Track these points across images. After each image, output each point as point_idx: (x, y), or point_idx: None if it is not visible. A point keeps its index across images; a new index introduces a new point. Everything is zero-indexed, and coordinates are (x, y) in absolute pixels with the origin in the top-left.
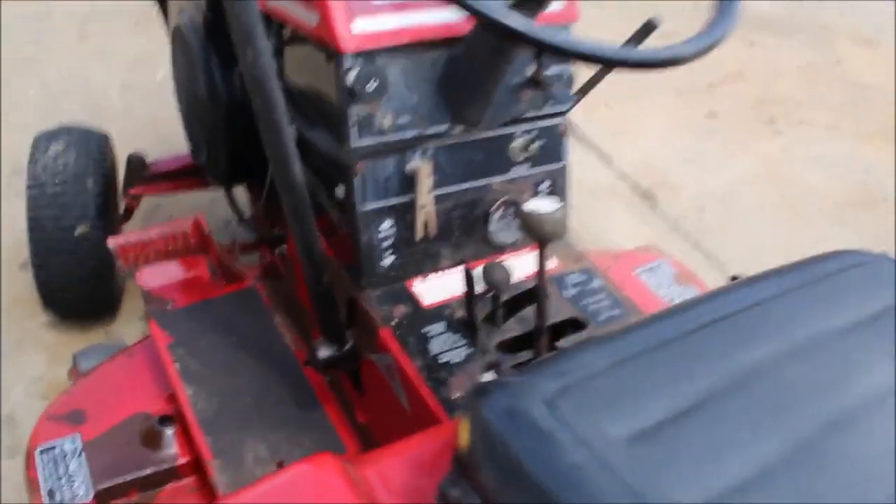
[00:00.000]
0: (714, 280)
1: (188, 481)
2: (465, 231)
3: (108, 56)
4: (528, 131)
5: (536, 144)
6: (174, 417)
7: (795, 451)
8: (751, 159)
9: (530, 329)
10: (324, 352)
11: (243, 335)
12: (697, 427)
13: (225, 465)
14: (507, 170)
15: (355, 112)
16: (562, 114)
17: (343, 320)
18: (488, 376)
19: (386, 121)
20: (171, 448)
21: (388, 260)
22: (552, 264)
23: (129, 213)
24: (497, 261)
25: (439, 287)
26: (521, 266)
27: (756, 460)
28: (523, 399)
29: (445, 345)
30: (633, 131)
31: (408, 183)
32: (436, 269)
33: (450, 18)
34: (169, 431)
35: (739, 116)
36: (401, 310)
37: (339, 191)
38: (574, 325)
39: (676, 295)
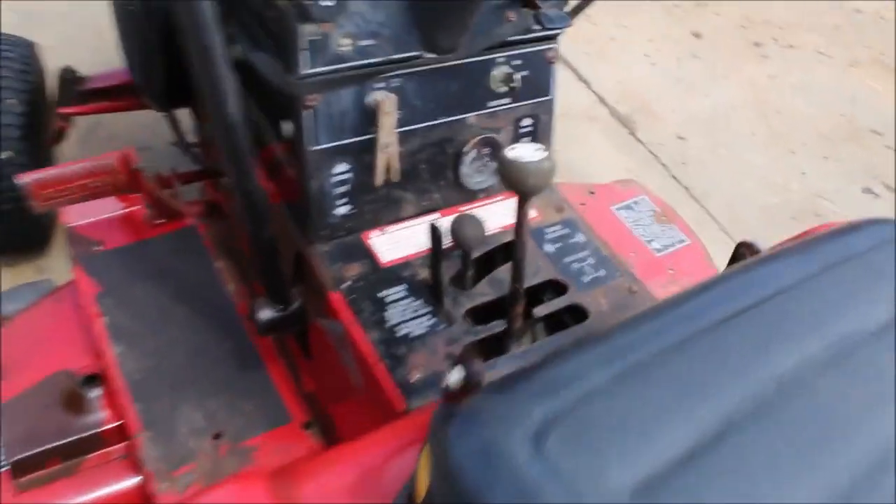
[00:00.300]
0: (693, 215)
1: (116, 448)
2: (433, 174)
3: None
4: (512, 59)
5: (520, 75)
6: (100, 377)
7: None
8: (736, 84)
9: (505, 293)
10: (265, 313)
11: (180, 283)
12: (718, 471)
13: (156, 437)
14: (485, 104)
15: (306, 32)
16: (552, 38)
17: (289, 277)
18: (455, 375)
19: (344, 44)
20: (97, 412)
21: (342, 209)
22: (530, 214)
23: (60, 135)
24: (468, 211)
25: (401, 240)
26: (496, 215)
27: None
28: (503, 433)
29: (406, 313)
30: (613, 51)
31: (368, 119)
32: (398, 219)
33: None
34: (94, 394)
35: (726, 38)
36: (355, 269)
37: (287, 127)
38: (554, 287)
39: (656, 234)
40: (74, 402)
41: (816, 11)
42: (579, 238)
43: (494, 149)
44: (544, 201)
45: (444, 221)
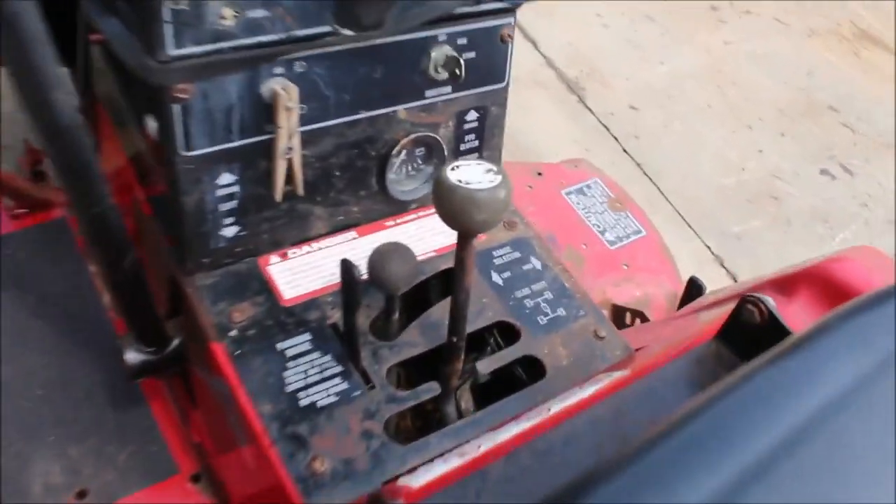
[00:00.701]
0: (645, 194)
1: None
2: (350, 183)
3: None
4: (456, 36)
5: (466, 57)
6: None
7: None
8: (690, 51)
9: (439, 342)
10: (133, 355)
11: (43, 292)
12: None
13: (4, 493)
14: (420, 94)
15: (172, 2)
16: (508, 10)
17: (164, 308)
18: None
19: (225, 16)
20: None
21: (229, 229)
22: None
23: None
24: (394, 228)
25: (308, 269)
26: (430, 232)
27: None
28: None
29: (311, 374)
30: (563, 8)
31: (262, 115)
32: (304, 240)
33: None
34: None
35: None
36: (246, 309)
37: (151, 125)
38: (502, 330)
39: (609, 224)
40: None
41: None
42: (534, 263)
43: (430, 149)
44: None
45: (359, 248)
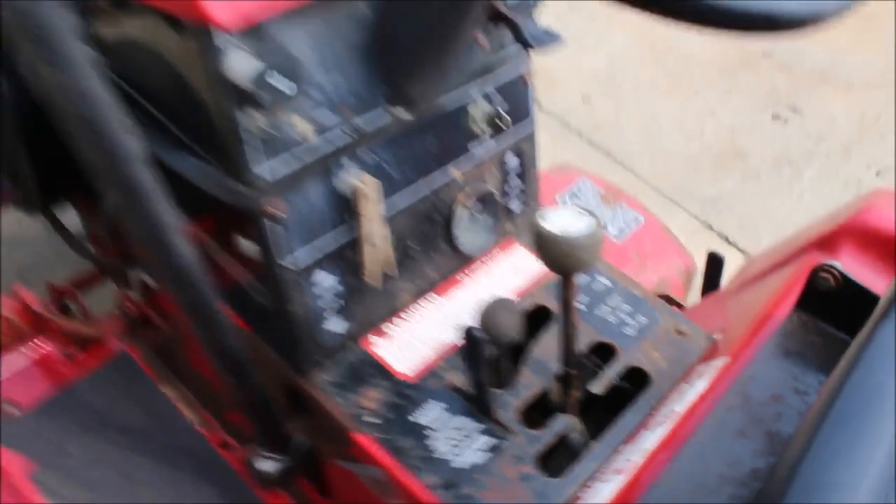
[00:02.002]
0: (622, 179)
1: None
2: (423, 250)
3: None
4: (486, 91)
5: (491, 111)
6: None
7: None
8: (621, 33)
9: (548, 376)
10: (266, 465)
11: (131, 429)
12: None
13: None
14: (466, 150)
15: (252, 125)
16: (524, 56)
17: (283, 415)
18: None
19: (300, 126)
20: None
21: (333, 324)
22: (538, 265)
23: None
24: (466, 276)
25: (408, 341)
26: (501, 278)
27: None
28: None
29: (453, 437)
30: None
31: (343, 208)
32: (395, 314)
33: None
34: None
35: None
36: (372, 395)
37: (246, 246)
38: (599, 350)
39: (609, 218)
40: None
41: None
42: (602, 281)
43: (485, 199)
44: None
45: (445, 308)
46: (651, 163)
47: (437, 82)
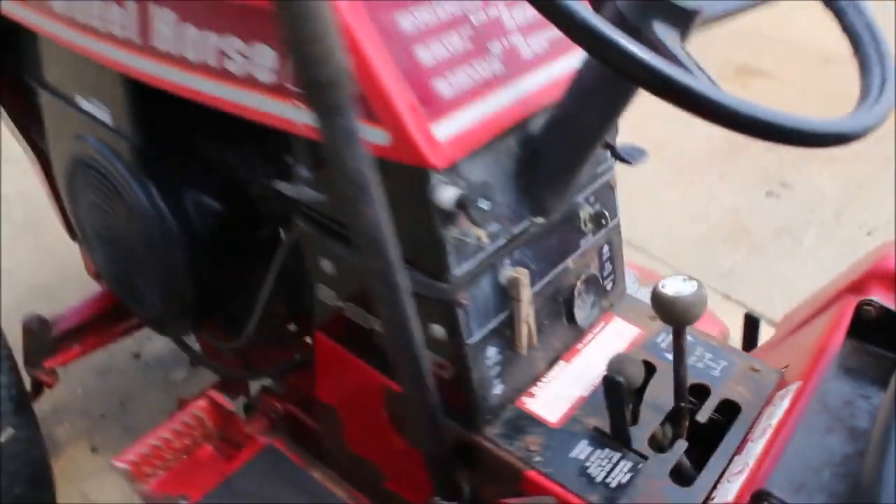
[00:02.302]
0: (645, 262)
1: None
2: (552, 325)
3: None
4: (588, 197)
5: (595, 211)
6: None
7: None
8: (623, 134)
9: (663, 412)
10: None
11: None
12: None
13: None
14: (578, 245)
15: (451, 236)
16: (611, 166)
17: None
18: None
19: (480, 235)
20: None
21: (497, 389)
22: (632, 330)
23: (40, 389)
24: (583, 347)
25: (552, 398)
26: (610, 342)
27: None
28: None
29: (605, 465)
30: None
31: (501, 297)
32: (536, 379)
33: (543, 81)
34: None
35: None
36: (534, 440)
37: (438, 330)
38: (695, 390)
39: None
40: None
41: None
42: (687, 338)
43: (591, 282)
44: (636, 314)
45: (572, 370)
46: (666, 245)
47: (565, 195)
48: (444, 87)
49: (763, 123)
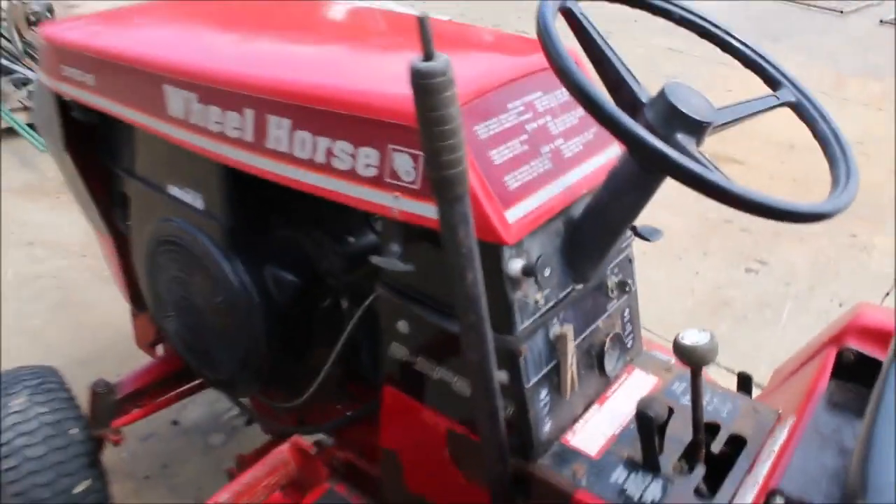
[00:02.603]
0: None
1: None
2: (587, 374)
3: None
4: (615, 268)
5: (620, 279)
6: None
7: None
8: None
9: (684, 445)
10: None
11: None
12: None
13: None
14: (606, 308)
15: (516, 298)
16: (630, 242)
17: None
18: None
19: (538, 298)
20: None
21: (547, 426)
22: (651, 379)
23: (101, 447)
24: (611, 394)
25: (589, 434)
26: (633, 388)
27: None
28: None
29: (639, 486)
30: None
31: (551, 349)
32: (576, 420)
33: (584, 173)
34: None
35: None
36: (580, 468)
37: (502, 376)
38: (708, 428)
39: None
40: None
41: None
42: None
43: (615, 339)
44: (653, 366)
45: (604, 414)
46: (657, 319)
47: (601, 266)
48: (511, 181)
49: (765, 206)
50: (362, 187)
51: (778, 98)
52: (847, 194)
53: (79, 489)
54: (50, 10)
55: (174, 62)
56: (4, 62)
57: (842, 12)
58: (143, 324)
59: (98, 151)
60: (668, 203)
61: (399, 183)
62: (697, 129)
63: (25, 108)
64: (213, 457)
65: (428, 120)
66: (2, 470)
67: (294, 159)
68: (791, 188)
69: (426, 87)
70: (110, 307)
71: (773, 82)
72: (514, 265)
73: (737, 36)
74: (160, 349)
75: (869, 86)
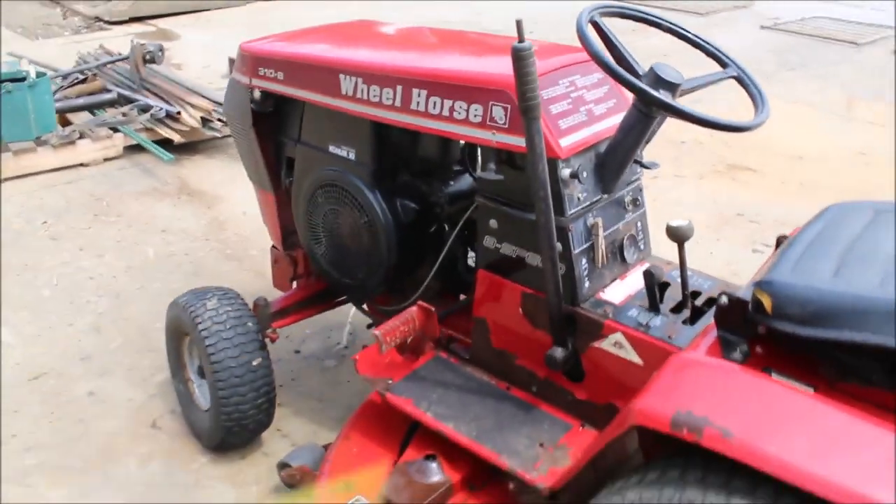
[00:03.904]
0: None
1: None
2: (612, 260)
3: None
4: (629, 191)
5: (633, 197)
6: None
7: None
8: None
9: (676, 301)
10: (559, 353)
11: (455, 384)
12: None
13: (508, 457)
14: (623, 217)
15: (566, 193)
16: (639, 177)
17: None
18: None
19: (579, 196)
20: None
21: (586, 284)
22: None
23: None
24: (649, 265)
25: (614, 293)
26: (639, 274)
27: None
28: None
29: (647, 319)
30: None
31: (587, 233)
32: (605, 287)
33: (607, 125)
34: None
35: None
36: (609, 309)
37: (559, 246)
38: (693, 295)
39: None
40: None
41: (653, 151)
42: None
43: (633, 240)
44: (657, 262)
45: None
46: None
47: (619, 181)
48: (562, 124)
49: (711, 121)
50: (473, 129)
51: (726, 73)
52: (763, 115)
53: (255, 362)
54: (161, 49)
55: (346, 59)
56: (127, 93)
57: (857, 44)
58: (283, 266)
59: (272, 128)
60: (689, 202)
61: (496, 125)
62: (673, 88)
63: (147, 129)
64: (329, 375)
65: (522, 74)
66: (205, 346)
67: (428, 115)
68: (798, 190)
69: (522, 55)
70: (236, 276)
71: (723, 63)
72: (565, 171)
73: (702, 37)
74: (294, 285)
75: (875, 107)
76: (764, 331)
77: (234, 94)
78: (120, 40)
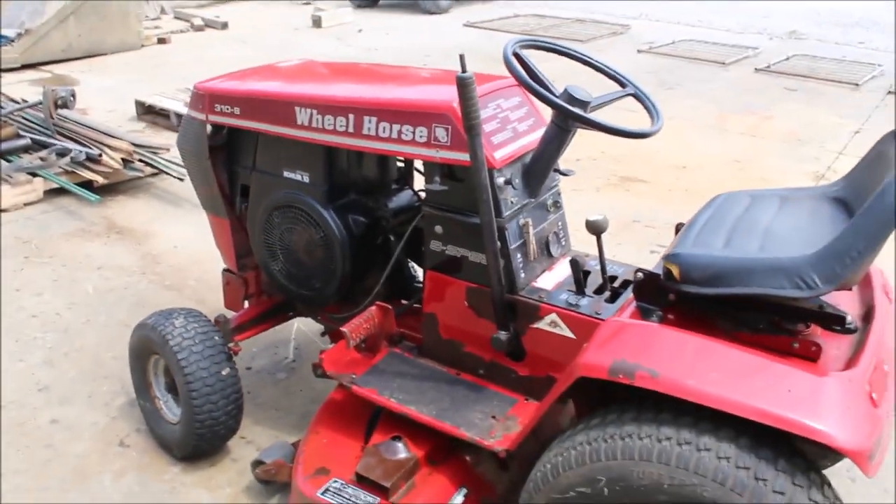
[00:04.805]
0: None
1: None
2: (540, 254)
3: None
4: (551, 195)
5: (554, 200)
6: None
7: None
8: None
9: (597, 285)
10: (504, 336)
11: (411, 374)
12: None
13: (466, 429)
14: (547, 217)
15: (502, 197)
16: (558, 182)
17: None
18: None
19: (512, 199)
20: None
21: (522, 274)
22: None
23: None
24: (558, 264)
25: (545, 282)
26: (564, 265)
27: None
28: None
29: (573, 299)
30: None
31: (520, 231)
32: (537, 277)
33: (529, 140)
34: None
35: None
36: (543, 294)
37: (498, 243)
38: (611, 279)
39: None
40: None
41: None
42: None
43: (557, 236)
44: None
45: (555, 273)
46: None
47: (542, 187)
48: (494, 139)
49: (620, 130)
50: (419, 148)
51: (625, 91)
52: (659, 123)
53: (224, 372)
54: (73, 95)
55: (300, 93)
56: (41, 138)
57: (724, 63)
58: (235, 287)
59: (225, 159)
60: (589, 212)
61: (439, 143)
62: (585, 105)
63: (67, 173)
64: (281, 386)
65: (466, 98)
66: (177, 360)
67: (379, 138)
68: (683, 196)
69: (466, 83)
70: (179, 304)
71: (622, 84)
72: (500, 179)
73: (606, 65)
74: (246, 304)
75: (745, 119)
76: (674, 298)
77: (190, 129)
78: (13, 87)
